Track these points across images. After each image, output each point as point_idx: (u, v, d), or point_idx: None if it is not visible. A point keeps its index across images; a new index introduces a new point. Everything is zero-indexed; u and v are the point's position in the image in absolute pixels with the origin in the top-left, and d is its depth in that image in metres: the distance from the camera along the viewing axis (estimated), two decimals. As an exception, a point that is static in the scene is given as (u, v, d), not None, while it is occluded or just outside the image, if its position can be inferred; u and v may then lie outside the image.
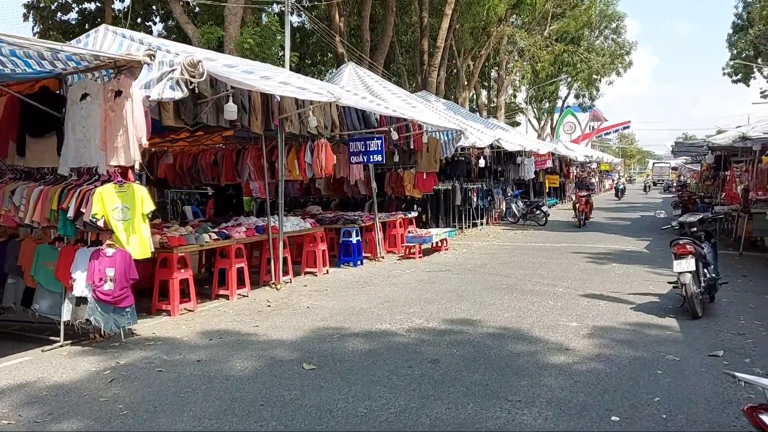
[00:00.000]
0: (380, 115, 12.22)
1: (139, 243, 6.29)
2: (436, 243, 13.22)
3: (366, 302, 8.28)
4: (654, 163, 69.86)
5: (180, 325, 7.19)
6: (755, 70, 44.43)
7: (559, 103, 54.01)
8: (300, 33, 31.36)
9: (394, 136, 11.59)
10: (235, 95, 7.91)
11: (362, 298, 8.60)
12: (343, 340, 6.40)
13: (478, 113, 35.12)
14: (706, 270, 7.49)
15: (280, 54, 21.23)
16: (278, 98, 8.73)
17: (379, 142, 10.68)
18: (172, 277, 7.65)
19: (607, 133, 59.62)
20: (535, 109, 53.68)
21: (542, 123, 55.09)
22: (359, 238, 11.59)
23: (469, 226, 18.23)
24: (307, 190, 14.91)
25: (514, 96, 49.59)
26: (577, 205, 19.46)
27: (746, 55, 43.67)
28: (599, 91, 51.13)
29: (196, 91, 7.41)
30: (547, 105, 53.15)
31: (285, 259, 9.59)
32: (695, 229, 7.90)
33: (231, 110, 7.62)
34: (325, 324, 7.10)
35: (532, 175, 24.20)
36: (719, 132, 19.34)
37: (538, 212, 20.25)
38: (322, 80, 17.50)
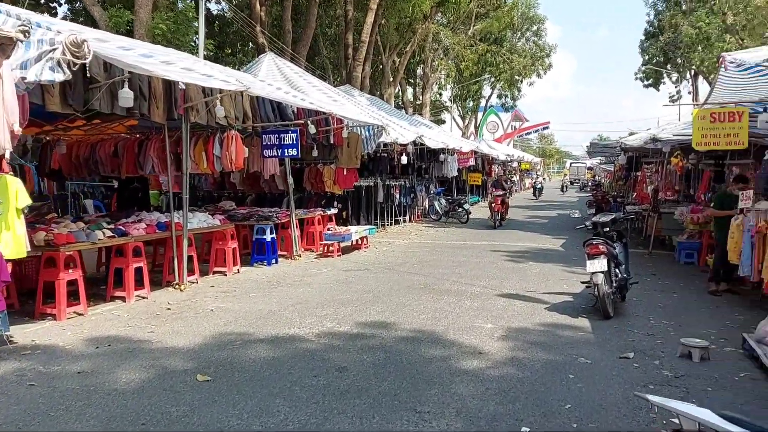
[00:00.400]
0: (298, 108, 11.76)
1: (13, 241, 5.61)
2: (356, 241, 12.90)
3: (276, 304, 7.83)
4: (571, 163, 72.41)
5: (65, 331, 6.51)
6: (665, 75, 46.79)
7: (483, 102, 54.96)
8: (219, 21, 30.22)
9: (312, 129, 11.14)
10: (132, 80, 7.25)
11: (273, 299, 8.14)
12: (245, 347, 5.93)
13: (403, 110, 35.04)
14: (617, 270, 7.53)
15: (196, 41, 20.26)
16: (183, 85, 8.11)
17: (294, 135, 10.21)
18: (58, 278, 6.93)
19: (528, 133, 61.23)
20: (459, 108, 54.35)
21: (466, 121, 55.85)
22: (274, 235, 11.09)
23: (391, 224, 18.03)
24: (222, 184, 14.25)
25: (440, 94, 50.04)
26: (493, 205, 18.78)
27: (657, 61, 45.92)
28: (521, 91, 52.40)
29: (88, 75, 6.74)
30: (471, 104, 53.92)
31: (190, 258, 8.98)
32: (608, 229, 7.94)
33: (127, 97, 6.97)
34: (228, 329, 6.61)
35: (455, 173, 24.33)
36: (631, 134, 20.02)
37: (460, 210, 20.31)
38: (240, 71, 16.79)
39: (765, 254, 7.23)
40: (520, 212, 25.42)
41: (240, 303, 7.91)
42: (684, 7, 42.55)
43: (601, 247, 7.21)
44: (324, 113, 11.85)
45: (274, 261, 11.01)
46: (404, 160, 17.47)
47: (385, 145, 16.88)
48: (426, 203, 21.18)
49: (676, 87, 47.75)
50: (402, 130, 17.32)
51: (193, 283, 9.01)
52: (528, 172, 52.06)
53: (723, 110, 8.13)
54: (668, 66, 45.66)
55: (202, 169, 9.56)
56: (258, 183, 13.62)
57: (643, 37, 47.08)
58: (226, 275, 9.79)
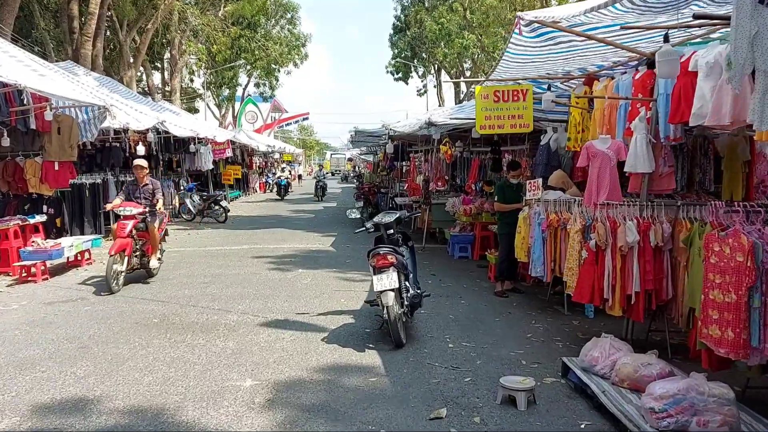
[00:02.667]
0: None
1: None
2: (74, 257, 9.83)
3: None
4: (332, 155, 73.12)
5: None
6: (412, 69, 48.94)
7: (240, 91, 52.06)
8: None
9: (-11, 108, 7.91)
10: None
11: None
12: None
13: (150, 96, 30.86)
14: (407, 283, 6.07)
15: None
16: None
17: (-51, 114, 6.97)
18: None
19: (288, 124, 59.95)
20: (215, 96, 50.71)
21: (223, 111, 52.42)
22: (-67, 261, 7.65)
23: (130, 228, 14.83)
24: None
25: (191, 80, 45.93)
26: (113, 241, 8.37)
27: (405, 55, 47.75)
28: (278, 81, 50.62)
29: None
30: (227, 92, 50.62)
31: None
32: (392, 231, 6.46)
33: None
34: None
35: (211, 166, 21.60)
36: (384, 126, 19.29)
37: (217, 208, 17.82)
38: None
39: (563, 252, 6.34)
40: (284, 206, 23.74)
41: None
42: (427, 4, 44.77)
43: (389, 257, 5.66)
44: (14, 87, 8.60)
45: (-67, 298, 7.59)
46: (141, 150, 14.39)
47: (117, 132, 13.71)
48: (176, 201, 18.19)
49: (422, 81, 50.27)
50: (138, 114, 14.26)
51: None
52: (290, 163, 50.73)
53: (507, 88, 7.14)
54: (415, 61, 47.71)
55: None
56: None
57: (392, 32, 48.56)
58: None
